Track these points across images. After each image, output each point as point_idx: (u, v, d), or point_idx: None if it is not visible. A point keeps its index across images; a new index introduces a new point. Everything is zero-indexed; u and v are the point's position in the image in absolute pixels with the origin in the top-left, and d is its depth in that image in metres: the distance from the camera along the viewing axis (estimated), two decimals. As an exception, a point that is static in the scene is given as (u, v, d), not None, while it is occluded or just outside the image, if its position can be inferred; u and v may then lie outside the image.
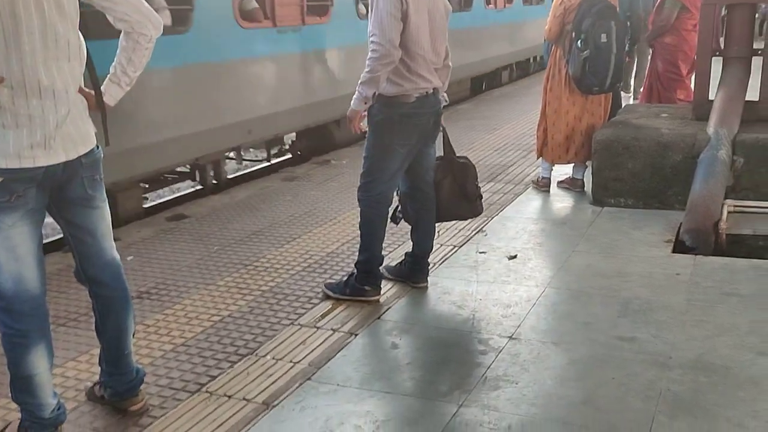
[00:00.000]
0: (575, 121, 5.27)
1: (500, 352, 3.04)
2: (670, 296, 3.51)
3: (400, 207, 3.78)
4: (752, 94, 5.18)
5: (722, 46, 5.35)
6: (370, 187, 3.54)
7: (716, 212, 4.24)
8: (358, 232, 3.63)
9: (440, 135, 3.68)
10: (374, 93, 3.36)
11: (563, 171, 5.65)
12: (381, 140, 3.47)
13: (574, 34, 4.99)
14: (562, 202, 5.27)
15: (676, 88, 6.69)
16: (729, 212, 4.35)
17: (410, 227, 3.80)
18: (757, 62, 5.13)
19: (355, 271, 3.62)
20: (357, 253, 3.63)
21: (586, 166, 5.38)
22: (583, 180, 5.42)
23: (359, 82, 3.35)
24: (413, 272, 3.78)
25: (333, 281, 3.76)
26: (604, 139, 4.96)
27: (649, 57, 7.33)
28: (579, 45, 4.92)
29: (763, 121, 4.99)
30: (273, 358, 3.08)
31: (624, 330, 3.18)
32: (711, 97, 5.20)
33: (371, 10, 3.34)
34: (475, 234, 4.53)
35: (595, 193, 5.06)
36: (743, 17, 5.07)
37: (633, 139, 4.89)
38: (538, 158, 5.58)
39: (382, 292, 3.65)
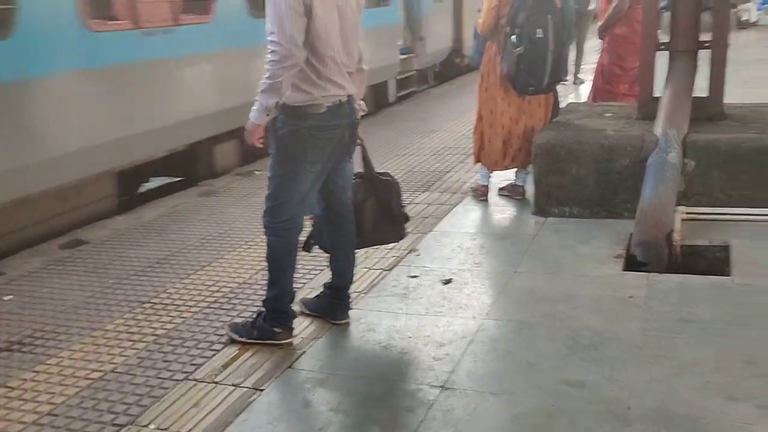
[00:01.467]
0: (511, 123, 4.82)
1: (430, 408, 2.56)
2: (623, 325, 3.08)
3: (313, 232, 3.28)
4: (700, 90, 4.82)
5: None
6: (278, 212, 3.02)
7: (668, 222, 3.85)
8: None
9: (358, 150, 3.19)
10: (277, 102, 2.84)
11: (504, 177, 5.21)
12: (288, 158, 2.95)
13: (508, 28, 4.54)
14: (502, 212, 4.82)
15: (618, 82, 6.32)
16: (682, 220, 3.99)
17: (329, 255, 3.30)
18: (704, 55, 4.77)
19: (264, 309, 3.11)
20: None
21: (528, 172, 4.95)
22: (524, 187, 4.99)
23: (259, 90, 2.84)
24: (332, 307, 3.27)
25: (239, 321, 3.23)
26: (545, 143, 4.53)
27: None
28: (513, 41, 4.47)
29: (713, 119, 4.64)
30: (157, 428, 2.54)
31: (573, 371, 2.73)
32: (656, 93, 4.82)
33: (268, 5, 2.82)
34: (407, 254, 4.04)
35: (537, 202, 4.62)
36: (688, 7, 4.71)
37: (576, 142, 4.47)
38: (475, 163, 5.14)
39: (296, 332, 3.15)
